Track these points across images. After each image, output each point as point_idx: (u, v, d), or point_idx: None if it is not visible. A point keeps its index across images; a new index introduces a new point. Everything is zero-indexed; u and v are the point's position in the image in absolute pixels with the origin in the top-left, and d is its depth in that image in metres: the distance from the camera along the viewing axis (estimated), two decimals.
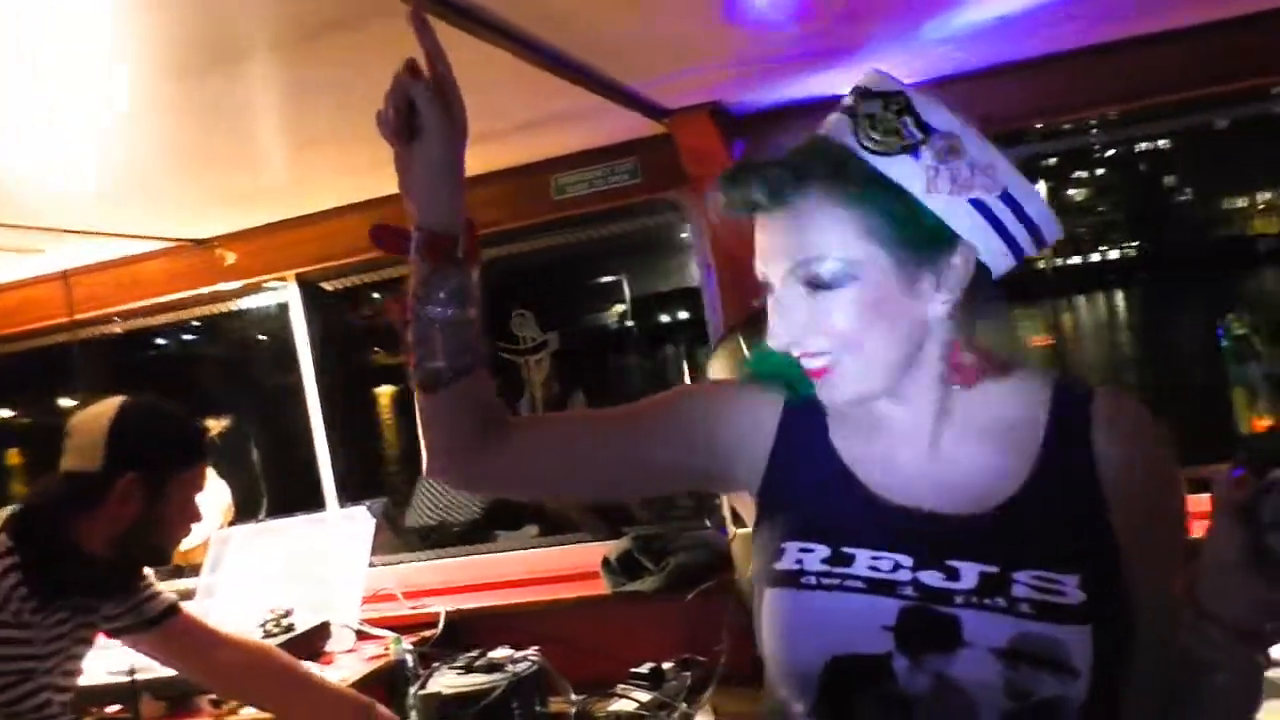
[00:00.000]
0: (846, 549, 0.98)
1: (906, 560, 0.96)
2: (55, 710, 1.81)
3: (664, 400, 1.16)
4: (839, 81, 2.04)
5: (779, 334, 0.99)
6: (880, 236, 0.95)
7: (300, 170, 2.40)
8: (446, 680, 2.37)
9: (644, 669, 2.36)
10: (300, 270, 2.88)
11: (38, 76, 1.56)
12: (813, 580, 0.97)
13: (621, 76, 1.93)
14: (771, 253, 0.99)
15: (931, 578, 0.95)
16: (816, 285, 0.97)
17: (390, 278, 2.95)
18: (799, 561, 0.99)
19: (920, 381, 1.01)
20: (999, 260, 0.99)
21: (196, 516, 1.91)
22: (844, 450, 1.05)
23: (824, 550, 0.99)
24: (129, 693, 2.35)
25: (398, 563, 2.98)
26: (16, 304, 2.96)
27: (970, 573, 0.94)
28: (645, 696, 2.31)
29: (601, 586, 2.63)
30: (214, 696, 2.32)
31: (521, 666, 2.34)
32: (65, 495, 1.80)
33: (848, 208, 0.95)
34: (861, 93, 0.97)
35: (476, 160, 2.49)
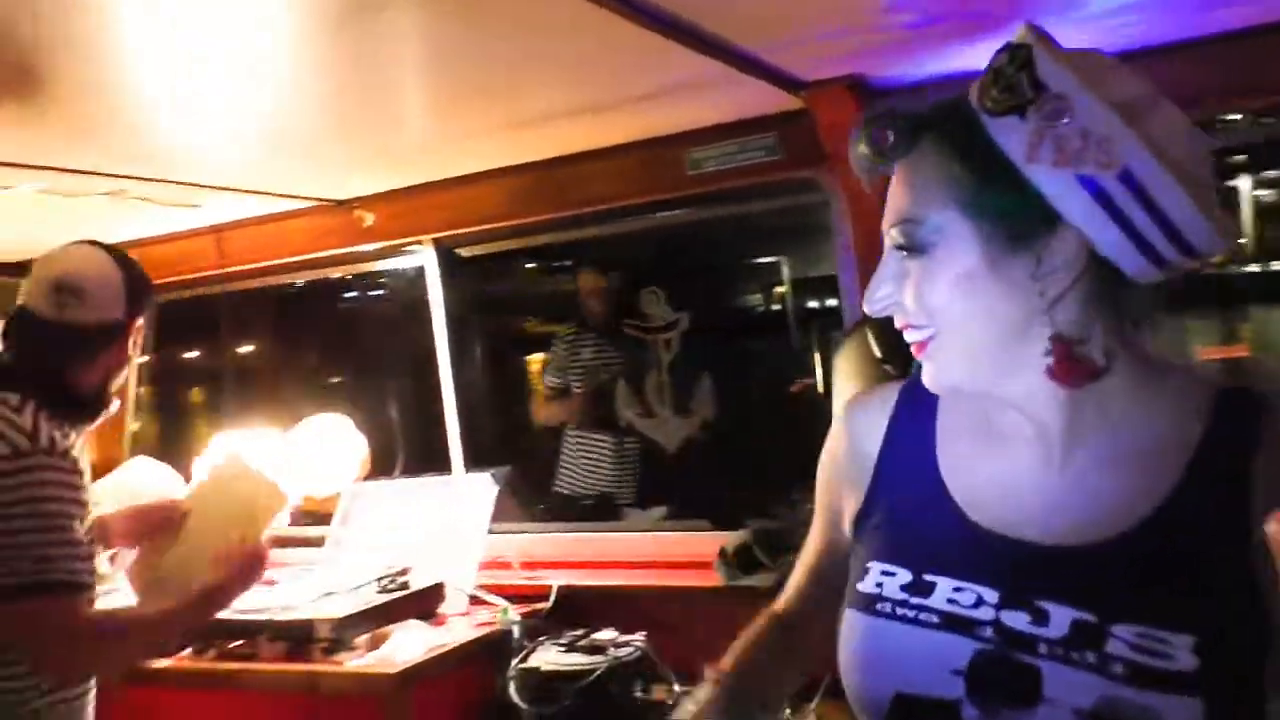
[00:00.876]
0: (929, 576, 0.90)
1: (991, 595, 0.86)
2: None
3: (819, 498, 1.12)
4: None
5: (866, 296, 0.93)
6: (970, 205, 0.85)
7: (440, 132, 2.40)
8: (548, 656, 2.35)
9: None
10: (438, 235, 2.89)
11: (195, 40, 1.60)
12: (888, 608, 0.90)
13: (753, 45, 1.81)
14: (886, 211, 0.93)
15: (1015, 619, 0.84)
16: (904, 248, 0.89)
17: (525, 247, 2.93)
18: (879, 585, 0.93)
19: (1032, 383, 0.88)
20: (1124, 256, 0.83)
21: None
22: (946, 463, 0.95)
23: (905, 575, 0.91)
24: (252, 630, 2.44)
25: (518, 532, 2.98)
26: (174, 255, 3.11)
27: (1062, 618, 0.82)
28: None
29: (718, 578, 2.55)
30: (326, 644, 2.36)
31: (624, 651, 2.29)
32: (75, 345, 1.89)
33: (944, 169, 0.86)
34: (1002, 47, 0.86)
35: (607, 132, 2.45)
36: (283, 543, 3.22)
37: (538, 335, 4.10)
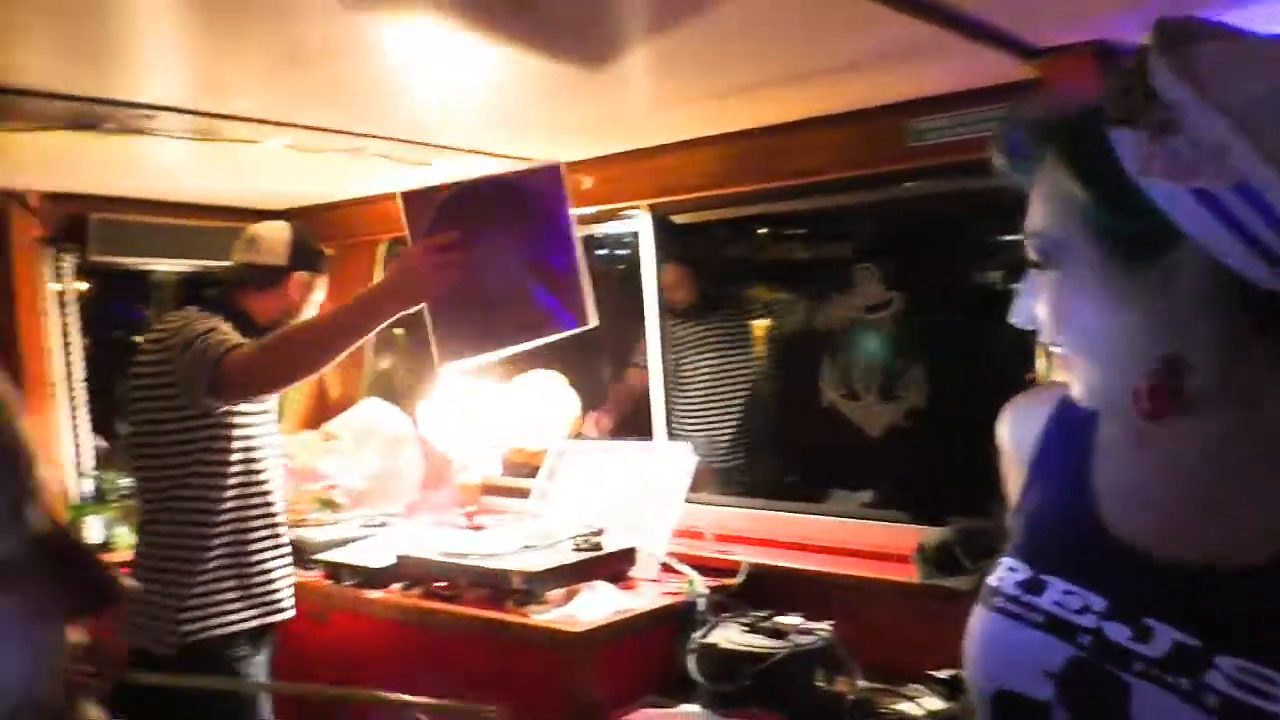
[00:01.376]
0: (1044, 575, 0.88)
1: (1099, 603, 0.83)
2: None
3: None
4: (1266, 17, 1.61)
5: (1011, 310, 0.93)
6: (1088, 222, 0.82)
7: (656, 98, 2.38)
8: (729, 634, 2.33)
9: (943, 675, 2.16)
10: (652, 201, 2.89)
11: (430, 9, 1.65)
12: (1001, 602, 0.89)
13: (979, 9, 1.66)
14: None
15: (1117, 632, 0.81)
16: (1032, 263, 0.88)
17: (736, 216, 2.87)
18: (1000, 579, 0.91)
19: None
20: (1255, 273, 0.76)
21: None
22: (1097, 465, 0.92)
23: (1024, 572, 0.89)
24: (452, 573, 2.57)
25: (714, 504, 2.96)
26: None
27: (1163, 638, 0.79)
28: (937, 705, 2.11)
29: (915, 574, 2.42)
30: (518, 595, 2.44)
31: (807, 639, 2.23)
32: (249, 279, 2.50)
33: (1064, 183, 0.84)
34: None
35: (823, 100, 2.34)
36: (492, 491, 3.38)
37: (766, 303, 4.05)
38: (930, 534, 2.42)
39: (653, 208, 2.91)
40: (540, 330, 2.02)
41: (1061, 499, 0.93)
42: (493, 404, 3.36)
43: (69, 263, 3.21)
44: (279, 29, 1.75)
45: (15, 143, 2.30)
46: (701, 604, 2.45)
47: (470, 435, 3.29)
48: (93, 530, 3.16)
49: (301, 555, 2.82)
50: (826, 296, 3.56)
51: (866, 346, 3.02)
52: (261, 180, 3.07)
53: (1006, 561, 0.92)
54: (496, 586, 2.49)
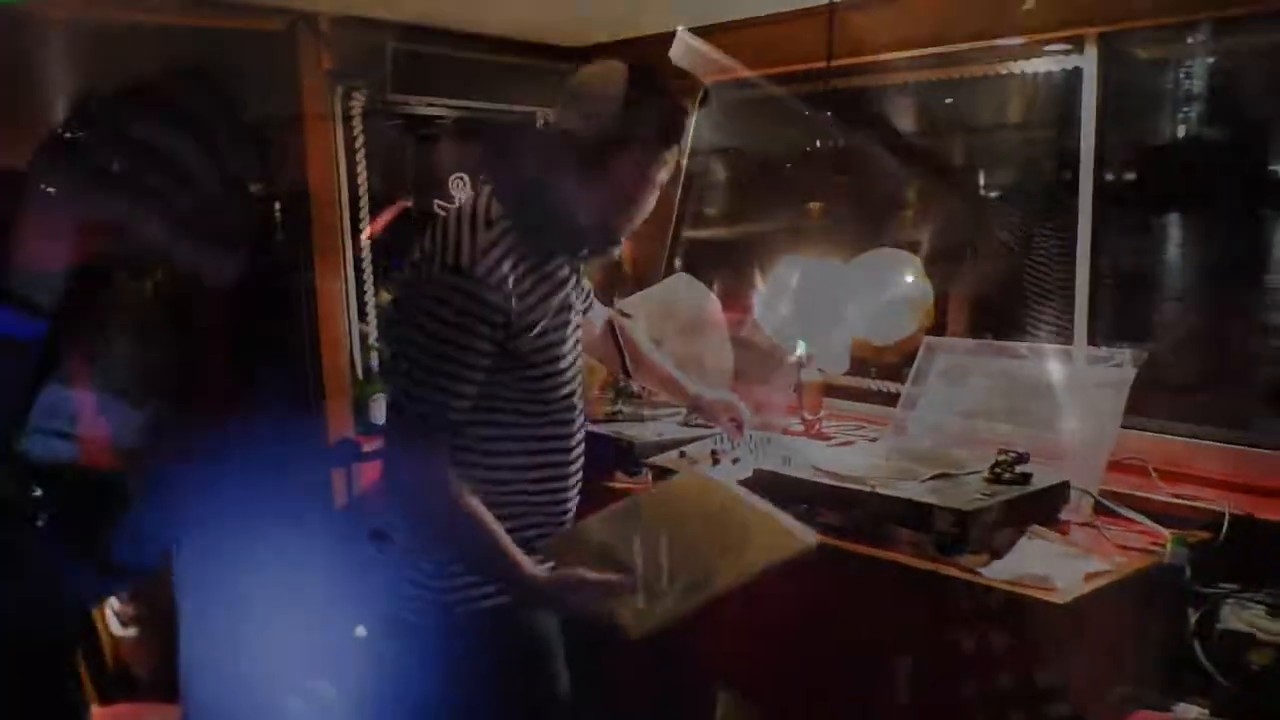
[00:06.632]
0: None
1: None
2: None
3: None
4: None
5: None
6: None
7: None
8: (1249, 618, 1.73)
9: None
10: (1106, 29, 2.16)
11: None
12: None
13: None
14: None
15: None
16: None
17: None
18: None
19: None
20: None
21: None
22: None
23: None
24: (848, 498, 2.02)
25: (1159, 431, 2.30)
26: (770, 41, 2.61)
27: None
28: None
29: None
30: (943, 538, 1.87)
31: None
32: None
33: None
34: None
35: None
36: (836, 393, 2.83)
37: None
38: None
39: (1104, 37, 2.18)
40: None
41: None
42: (834, 287, 2.78)
43: (359, 101, 2.76)
44: None
45: None
46: (1188, 572, 1.85)
47: (812, 324, 2.73)
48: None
49: (630, 455, 2.40)
50: None
51: None
52: (580, 6, 2.49)
53: None
54: (910, 523, 1.93)
